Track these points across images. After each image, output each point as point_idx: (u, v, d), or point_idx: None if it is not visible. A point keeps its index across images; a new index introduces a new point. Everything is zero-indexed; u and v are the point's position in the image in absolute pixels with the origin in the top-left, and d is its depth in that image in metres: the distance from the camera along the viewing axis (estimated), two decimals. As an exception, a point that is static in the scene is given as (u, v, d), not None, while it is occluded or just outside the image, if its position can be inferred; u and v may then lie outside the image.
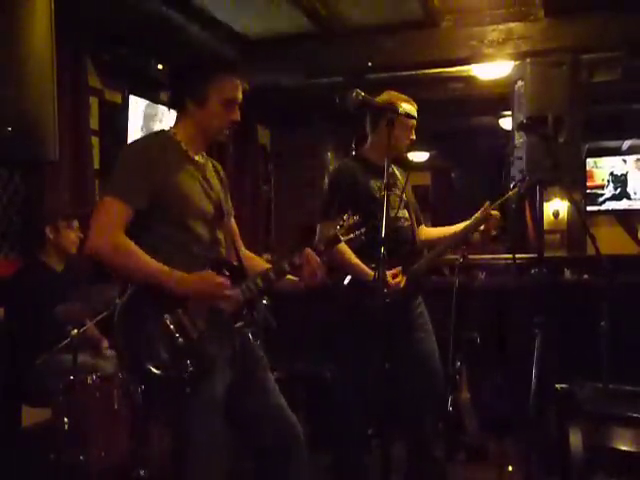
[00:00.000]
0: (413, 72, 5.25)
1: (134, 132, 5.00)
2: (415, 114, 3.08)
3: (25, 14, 2.71)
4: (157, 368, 2.05)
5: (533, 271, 3.84)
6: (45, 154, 2.86)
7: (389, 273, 2.89)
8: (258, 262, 2.47)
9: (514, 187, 3.33)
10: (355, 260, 2.94)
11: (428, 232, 3.34)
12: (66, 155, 4.31)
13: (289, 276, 2.34)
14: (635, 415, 2.96)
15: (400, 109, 2.90)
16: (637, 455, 2.91)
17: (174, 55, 4.96)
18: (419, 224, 3.30)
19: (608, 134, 8.69)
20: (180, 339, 2.08)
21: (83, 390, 3.07)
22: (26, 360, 3.40)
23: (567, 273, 5.62)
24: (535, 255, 5.27)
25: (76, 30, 4.38)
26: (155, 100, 5.30)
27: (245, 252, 2.46)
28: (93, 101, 4.86)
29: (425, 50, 4.86)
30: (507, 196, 3.24)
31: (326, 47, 5.02)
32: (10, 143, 2.66)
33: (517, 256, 4.87)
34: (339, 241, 2.36)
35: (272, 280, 2.27)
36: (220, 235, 2.30)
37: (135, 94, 5.02)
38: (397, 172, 3.24)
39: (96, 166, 4.83)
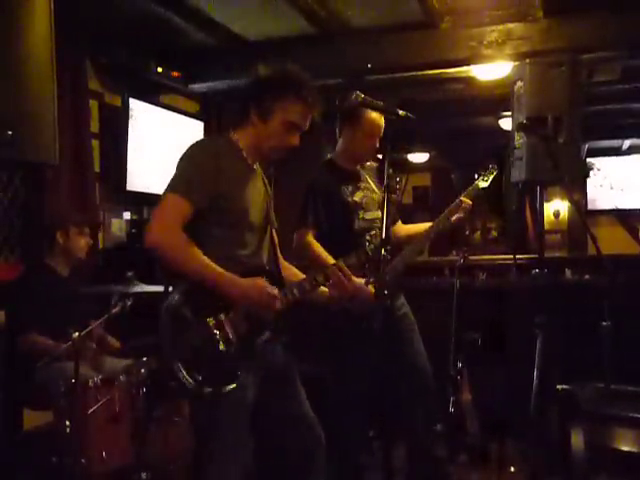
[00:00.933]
0: (412, 73, 5.25)
1: (134, 135, 5.00)
2: (380, 122, 3.10)
3: (25, 17, 2.71)
4: (195, 370, 2.07)
5: (534, 271, 3.84)
6: (45, 157, 2.86)
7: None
8: (294, 272, 2.51)
9: (479, 177, 3.37)
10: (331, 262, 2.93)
11: (403, 229, 3.35)
12: (66, 158, 4.32)
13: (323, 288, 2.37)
14: (637, 415, 2.96)
15: (364, 116, 2.98)
16: (639, 455, 2.90)
17: (175, 59, 4.99)
18: (395, 222, 3.31)
19: (608, 134, 8.69)
20: (221, 343, 2.11)
21: (84, 393, 3.07)
22: (28, 363, 3.40)
23: (568, 273, 5.61)
24: (536, 255, 5.27)
25: (76, 33, 4.39)
26: (155, 102, 5.30)
27: (283, 262, 2.50)
28: (93, 104, 4.86)
29: (424, 51, 4.86)
30: (474, 185, 3.32)
31: (325, 49, 5.02)
32: (10, 146, 2.66)
33: (518, 256, 4.88)
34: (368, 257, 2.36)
35: (306, 291, 2.29)
36: (264, 243, 2.35)
37: (135, 97, 5.02)
38: (365, 172, 3.25)
39: (96, 169, 4.83)
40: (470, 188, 3.28)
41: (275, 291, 2.19)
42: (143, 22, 4.50)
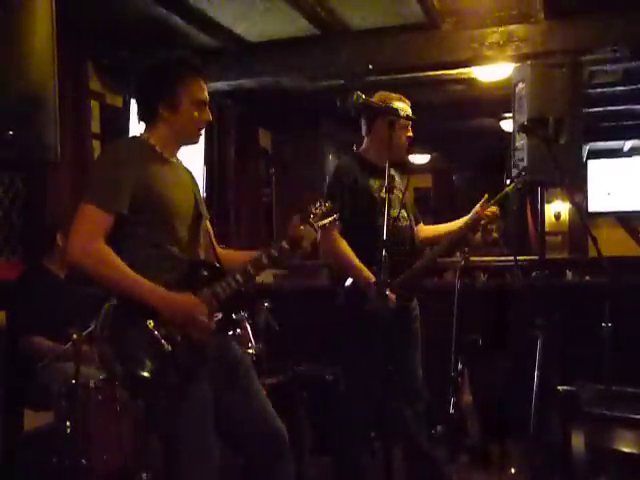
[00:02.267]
0: (414, 74, 5.26)
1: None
2: (410, 112, 3.07)
3: (26, 18, 2.71)
4: (145, 373, 2.05)
5: (535, 273, 3.85)
6: (46, 158, 2.87)
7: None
8: (236, 256, 2.46)
9: (510, 183, 3.33)
10: (356, 262, 2.94)
11: (427, 230, 3.35)
12: (67, 159, 4.32)
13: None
14: (637, 417, 2.96)
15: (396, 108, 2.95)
16: (639, 456, 2.90)
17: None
18: (417, 223, 3.31)
19: (609, 135, 8.69)
20: (166, 344, 2.07)
21: (85, 393, 3.07)
22: (28, 364, 3.40)
23: (569, 275, 5.62)
24: (537, 257, 5.28)
25: (77, 34, 4.40)
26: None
27: (221, 251, 2.46)
28: (94, 105, 4.87)
29: (426, 52, 4.86)
30: (504, 192, 3.22)
31: (327, 50, 5.02)
32: (11, 146, 2.66)
33: (519, 258, 4.88)
34: (312, 228, 2.34)
35: (252, 274, 2.26)
36: (199, 236, 2.31)
37: (136, 98, 5.02)
38: (395, 173, 3.25)
39: (97, 169, 4.84)
40: (501, 194, 3.20)
41: (203, 314, 2.11)
42: (144, 23, 4.50)
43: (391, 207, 3.03)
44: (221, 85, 5.29)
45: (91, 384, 3.10)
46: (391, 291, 2.83)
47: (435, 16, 4.61)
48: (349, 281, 3.00)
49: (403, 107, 3.06)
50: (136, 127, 4.92)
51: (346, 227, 2.91)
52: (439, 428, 3.57)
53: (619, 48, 4.46)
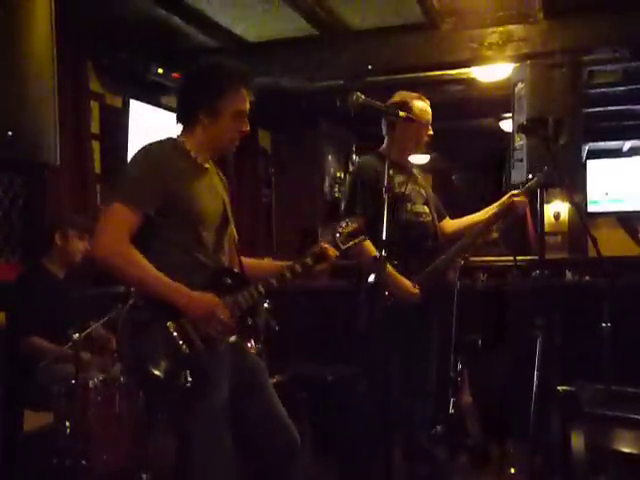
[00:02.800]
0: (413, 74, 5.26)
1: (135, 136, 5.00)
2: (429, 110, 3.17)
3: (25, 18, 2.71)
4: (161, 374, 2.05)
5: (534, 273, 3.85)
6: (46, 158, 2.87)
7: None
8: (259, 265, 2.48)
9: (533, 177, 3.32)
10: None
11: (453, 225, 3.36)
12: (67, 159, 4.32)
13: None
14: (637, 417, 2.96)
15: (413, 107, 3.00)
16: (639, 457, 2.90)
17: (176, 60, 4.99)
18: (442, 218, 3.33)
19: (609, 136, 8.68)
20: (184, 347, 2.08)
21: (85, 394, 3.07)
22: (28, 364, 3.40)
23: (568, 275, 5.61)
24: (536, 257, 5.28)
25: (77, 34, 4.40)
26: (155, 104, 5.31)
27: (245, 259, 2.46)
28: (94, 105, 4.87)
29: (425, 52, 4.86)
30: (529, 184, 3.24)
31: (326, 50, 5.02)
32: (11, 147, 2.66)
33: (518, 258, 4.88)
34: (339, 249, 2.34)
35: (274, 287, 2.27)
36: (224, 242, 2.32)
37: (136, 98, 5.02)
38: (417, 170, 3.30)
39: (97, 170, 4.84)
40: (526, 186, 3.23)
41: (223, 315, 2.12)
42: (144, 23, 4.50)
43: (412, 201, 3.08)
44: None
45: (91, 384, 3.10)
46: (416, 285, 2.88)
47: (434, 16, 4.61)
48: (371, 277, 2.98)
49: (422, 106, 3.17)
50: (136, 128, 4.96)
51: (369, 223, 2.89)
52: (439, 428, 3.57)
53: (619, 48, 4.47)
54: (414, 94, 3.20)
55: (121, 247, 2.08)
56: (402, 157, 3.22)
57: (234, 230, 2.42)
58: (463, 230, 3.27)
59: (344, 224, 2.39)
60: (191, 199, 2.19)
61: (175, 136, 2.33)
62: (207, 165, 2.34)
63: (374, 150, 3.30)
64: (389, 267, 2.89)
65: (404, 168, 3.22)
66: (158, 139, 2.31)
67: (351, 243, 2.38)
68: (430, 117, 3.20)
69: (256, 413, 2.30)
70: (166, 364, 2.06)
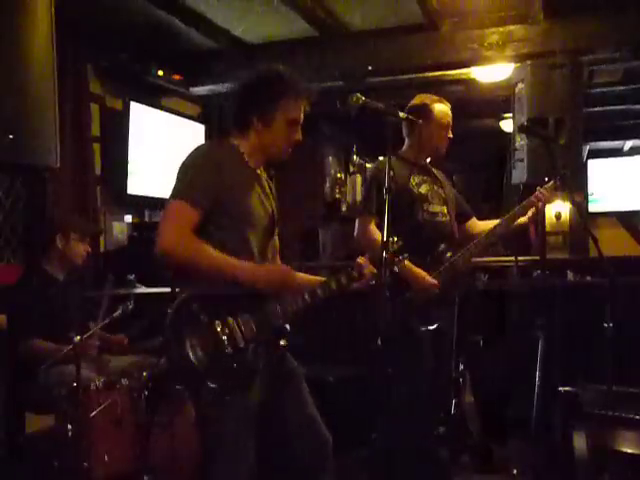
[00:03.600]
0: (413, 75, 5.25)
1: (135, 138, 5.01)
2: (449, 113, 3.22)
3: (26, 21, 2.72)
4: (200, 364, 2.08)
5: (535, 273, 3.84)
6: (46, 161, 2.87)
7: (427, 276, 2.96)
8: (305, 277, 2.49)
9: (549, 180, 3.32)
10: None
11: (478, 225, 3.37)
12: (67, 161, 4.32)
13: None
14: (639, 417, 2.95)
15: (434, 110, 3.13)
16: (641, 457, 2.90)
17: (176, 62, 4.99)
18: (468, 218, 3.37)
19: (609, 135, 8.68)
20: (227, 345, 2.10)
21: (86, 396, 3.07)
22: (29, 367, 3.40)
23: (569, 275, 5.60)
24: (537, 257, 5.27)
25: (77, 36, 4.40)
26: (156, 106, 5.31)
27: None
28: (94, 107, 4.87)
29: (425, 53, 4.86)
30: (547, 185, 3.22)
31: (326, 51, 5.02)
32: (11, 150, 2.66)
33: (519, 258, 4.87)
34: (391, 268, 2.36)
35: (319, 297, 2.31)
36: (268, 249, 2.35)
37: (136, 100, 5.03)
38: (437, 171, 3.34)
39: (97, 172, 4.84)
40: (547, 185, 3.22)
41: (294, 279, 2.25)
42: (144, 25, 4.51)
43: (430, 202, 3.10)
44: (220, 87, 5.29)
45: (92, 386, 3.10)
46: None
47: (434, 17, 4.61)
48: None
49: (443, 109, 3.22)
50: (136, 130, 4.96)
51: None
52: (440, 428, 3.56)
53: (619, 48, 4.46)
54: (435, 97, 3.25)
55: (186, 240, 2.11)
56: (421, 158, 3.28)
57: (277, 239, 2.46)
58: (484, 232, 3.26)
59: (391, 240, 2.36)
60: (243, 202, 2.23)
61: (230, 139, 2.35)
62: (259, 171, 2.38)
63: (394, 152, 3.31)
64: (406, 261, 2.89)
65: (423, 169, 3.25)
66: (215, 140, 2.33)
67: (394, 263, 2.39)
68: (450, 120, 3.24)
69: (293, 416, 2.32)
70: (207, 358, 2.09)
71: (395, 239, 2.41)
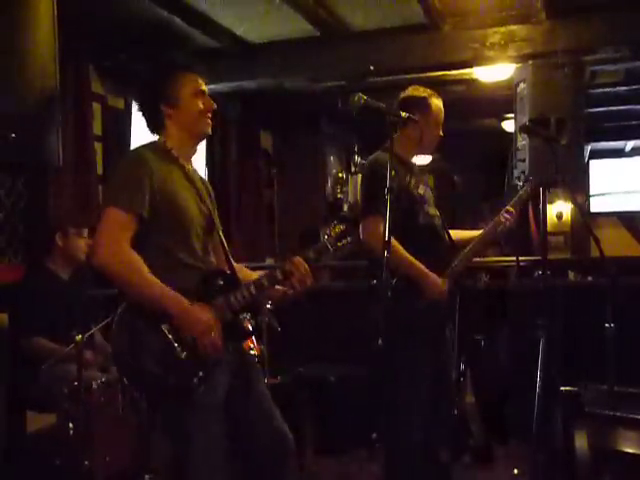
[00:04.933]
0: (415, 75, 5.25)
1: (137, 138, 5.01)
2: (442, 109, 3.10)
3: (28, 21, 2.72)
4: (155, 374, 2.07)
5: (537, 273, 3.83)
6: (48, 160, 2.87)
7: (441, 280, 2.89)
8: (247, 272, 2.47)
9: (522, 187, 3.28)
10: (411, 257, 2.87)
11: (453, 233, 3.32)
12: (69, 161, 4.33)
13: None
14: (640, 417, 2.95)
15: (432, 105, 3.02)
16: (643, 457, 2.90)
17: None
18: None
19: (611, 136, 8.68)
20: (179, 348, 2.09)
21: (88, 395, 3.07)
22: (31, 366, 3.40)
23: (571, 275, 5.60)
24: (538, 257, 5.27)
25: (79, 36, 4.40)
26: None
27: (236, 265, 2.45)
28: (96, 107, 4.88)
29: (427, 53, 4.86)
30: (519, 195, 3.17)
31: (328, 51, 5.02)
32: (13, 149, 2.67)
33: (520, 258, 4.87)
34: (327, 251, 2.35)
35: (265, 287, 2.28)
36: (210, 246, 2.33)
37: (138, 99, 5.03)
38: (418, 169, 3.22)
39: (99, 172, 4.84)
40: (515, 198, 3.14)
41: (212, 320, 2.14)
42: (146, 25, 4.51)
43: (428, 203, 3.04)
44: (222, 87, 5.29)
45: (94, 386, 3.11)
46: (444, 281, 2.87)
47: (436, 17, 4.61)
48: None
49: (439, 104, 3.09)
50: (138, 129, 4.97)
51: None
52: (441, 429, 3.56)
53: (621, 48, 4.46)
54: (430, 90, 3.11)
55: (121, 252, 2.08)
56: (410, 156, 3.13)
57: (221, 235, 2.42)
58: (466, 239, 3.21)
59: (332, 225, 2.37)
60: (177, 200, 2.20)
61: (156, 139, 2.34)
62: (189, 167, 2.35)
63: (383, 147, 3.21)
64: (417, 262, 2.85)
65: (413, 167, 3.15)
66: (143, 144, 2.33)
67: (340, 244, 2.37)
68: (442, 117, 3.11)
69: (251, 413, 2.30)
70: (162, 366, 2.07)
71: (336, 223, 2.37)
